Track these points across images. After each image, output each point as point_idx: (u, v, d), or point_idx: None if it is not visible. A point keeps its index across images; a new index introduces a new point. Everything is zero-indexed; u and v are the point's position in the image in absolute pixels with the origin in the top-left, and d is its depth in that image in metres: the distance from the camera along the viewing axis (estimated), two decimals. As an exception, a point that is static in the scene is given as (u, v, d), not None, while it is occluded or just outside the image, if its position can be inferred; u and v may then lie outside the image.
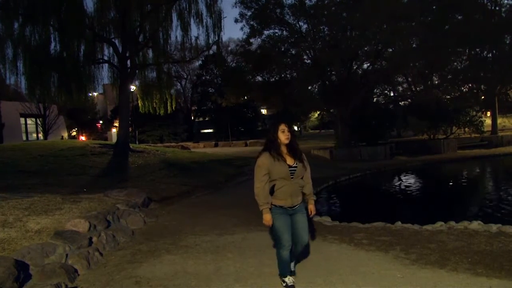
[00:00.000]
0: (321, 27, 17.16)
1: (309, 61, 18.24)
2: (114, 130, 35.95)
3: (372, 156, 16.31)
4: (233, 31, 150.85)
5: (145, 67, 13.61)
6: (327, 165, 13.72)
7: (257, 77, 19.14)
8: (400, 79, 23.38)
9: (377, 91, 21.86)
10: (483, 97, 25.45)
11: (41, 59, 10.96)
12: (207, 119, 42.91)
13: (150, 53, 13.75)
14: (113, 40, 12.93)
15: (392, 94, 25.19)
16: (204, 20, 12.84)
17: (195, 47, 13.86)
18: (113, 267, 3.90)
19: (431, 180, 12.66)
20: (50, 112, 27.26)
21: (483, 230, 4.64)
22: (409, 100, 22.76)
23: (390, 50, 16.87)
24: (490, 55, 23.18)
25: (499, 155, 17.15)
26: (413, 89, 23.67)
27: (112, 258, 4.18)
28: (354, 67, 17.97)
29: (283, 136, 3.09)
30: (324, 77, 18.22)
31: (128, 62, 13.03)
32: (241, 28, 18.76)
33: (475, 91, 24.37)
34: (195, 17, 12.75)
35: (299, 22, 17.61)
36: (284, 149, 3.12)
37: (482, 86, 24.13)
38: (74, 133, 36.41)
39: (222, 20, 13.21)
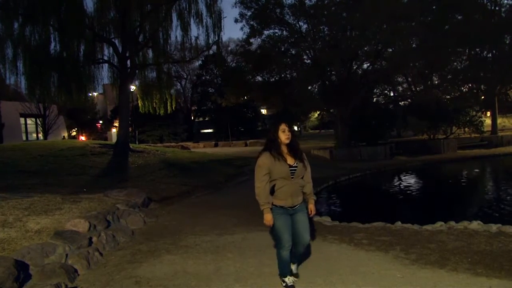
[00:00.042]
0: (321, 27, 17.17)
1: (309, 61, 18.25)
2: (114, 130, 35.97)
3: (372, 156, 16.32)
4: (233, 31, 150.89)
5: (145, 67, 13.61)
6: (327, 165, 13.72)
7: (257, 77, 19.15)
8: (400, 79, 23.38)
9: (377, 91, 21.86)
10: (483, 97, 25.46)
11: (41, 59, 10.95)
12: (207, 119, 42.92)
13: (150, 53, 13.77)
14: (113, 40, 12.93)
15: (392, 94, 25.19)
16: (204, 20, 12.86)
17: (195, 47, 13.87)
18: (113, 267, 3.90)
19: (431, 180, 12.66)
20: (50, 112, 27.28)
21: (483, 230, 4.64)
22: (409, 100, 22.77)
23: (390, 50, 16.88)
24: (490, 55, 23.18)
25: (499, 155, 17.15)
26: (413, 89, 23.68)
27: (112, 258, 4.18)
28: (354, 67, 17.98)
29: (284, 136, 3.09)
30: (324, 77, 18.22)
31: (128, 62, 13.03)
32: (241, 28, 18.79)
33: (475, 91, 24.39)
34: (195, 17, 12.76)
35: (299, 22, 17.63)
36: (284, 149, 3.12)
37: (482, 86, 24.15)
38: (74, 133, 36.42)
39: (222, 20, 13.23)
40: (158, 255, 4.25)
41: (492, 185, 11.13)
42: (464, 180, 12.58)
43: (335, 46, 16.09)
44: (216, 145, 30.17)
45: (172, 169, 11.02)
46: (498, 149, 18.75)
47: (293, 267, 3.39)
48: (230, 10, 21.61)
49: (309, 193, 3.24)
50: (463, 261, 3.66)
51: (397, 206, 8.60)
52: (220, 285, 3.37)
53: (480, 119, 20.54)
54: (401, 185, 11.25)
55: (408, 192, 9.84)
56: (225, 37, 79.99)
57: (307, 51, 18.08)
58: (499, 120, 28.37)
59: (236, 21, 17.86)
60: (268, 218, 3.05)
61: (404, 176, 12.72)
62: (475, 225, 4.81)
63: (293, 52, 18.36)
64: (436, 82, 21.49)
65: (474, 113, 20.55)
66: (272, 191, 3.08)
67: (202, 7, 12.88)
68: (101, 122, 42.09)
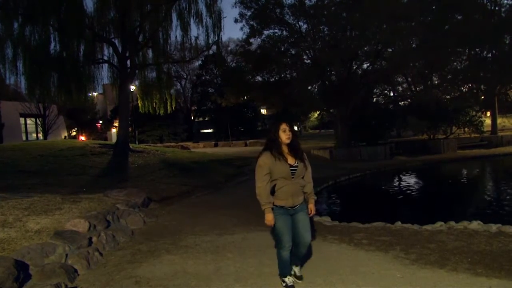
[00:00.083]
0: (321, 27, 17.16)
1: (309, 61, 18.24)
2: (114, 130, 35.97)
3: (372, 156, 16.32)
4: (233, 31, 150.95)
5: (145, 67, 13.60)
6: (327, 165, 13.73)
7: (257, 77, 19.13)
8: (400, 79, 23.38)
9: (377, 91, 21.85)
10: (483, 97, 25.47)
11: (41, 59, 10.95)
12: (207, 119, 42.92)
13: (150, 53, 13.74)
14: (113, 40, 12.92)
15: (392, 94, 25.17)
16: (204, 20, 12.86)
17: (195, 47, 13.88)
18: (113, 267, 3.90)
19: (430, 180, 12.66)
20: (49, 112, 27.26)
21: (482, 230, 4.64)
22: (409, 100, 22.75)
23: (390, 50, 16.88)
24: (490, 55, 23.19)
25: (499, 155, 17.16)
26: (413, 89, 23.68)
27: (112, 258, 4.18)
28: (354, 67, 17.97)
29: (284, 136, 3.08)
30: (324, 77, 18.22)
31: (128, 62, 13.02)
32: (241, 28, 18.72)
33: (475, 91, 24.41)
34: (195, 17, 12.75)
35: (299, 22, 17.62)
36: (285, 149, 3.12)
37: (482, 86, 24.16)
38: (74, 133, 36.41)
39: (222, 20, 13.23)
40: (158, 255, 4.25)
41: (492, 185, 11.14)
42: (464, 180, 12.58)
43: (335, 46, 16.09)
44: (216, 145, 30.17)
45: (172, 169, 11.02)
46: (498, 149, 18.76)
47: (296, 269, 3.35)
48: (230, 10, 21.60)
49: (309, 193, 3.23)
50: (463, 261, 3.66)
51: (397, 206, 8.60)
52: (220, 285, 3.37)
53: (480, 119, 20.55)
54: (401, 185, 11.25)
55: (408, 192, 9.84)
56: (225, 37, 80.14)
57: (307, 51, 18.08)
58: (499, 120, 28.39)
59: (236, 21, 17.87)
60: (269, 218, 3.05)
61: (404, 176, 12.72)
62: (475, 225, 4.81)
63: (293, 52, 18.36)
64: (436, 82, 21.51)
65: (474, 113, 20.56)
66: (272, 191, 3.07)
67: (202, 7, 12.90)
68: (101, 122, 42.09)
